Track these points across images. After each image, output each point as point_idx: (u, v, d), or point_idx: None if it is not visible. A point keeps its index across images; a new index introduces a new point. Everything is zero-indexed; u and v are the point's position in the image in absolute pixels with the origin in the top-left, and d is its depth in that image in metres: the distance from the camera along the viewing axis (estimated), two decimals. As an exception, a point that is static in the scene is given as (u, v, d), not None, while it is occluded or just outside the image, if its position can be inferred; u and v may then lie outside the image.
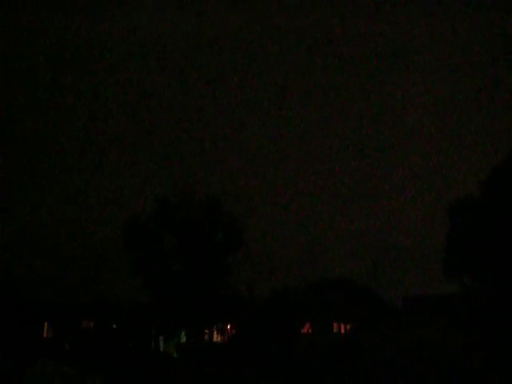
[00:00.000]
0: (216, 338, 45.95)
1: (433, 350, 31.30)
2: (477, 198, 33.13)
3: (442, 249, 34.27)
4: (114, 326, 48.37)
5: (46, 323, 48.62)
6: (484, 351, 29.75)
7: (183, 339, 42.90)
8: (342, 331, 46.90)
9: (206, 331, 44.75)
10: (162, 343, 44.85)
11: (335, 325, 46.63)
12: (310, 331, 44.82)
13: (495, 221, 31.41)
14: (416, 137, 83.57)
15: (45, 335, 48.38)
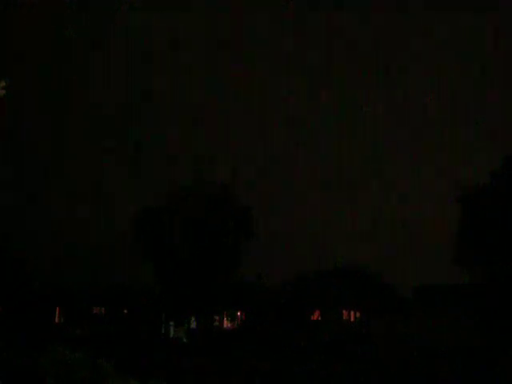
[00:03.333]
0: (226, 324, 46.15)
1: (442, 339, 31.23)
2: (489, 187, 32.81)
3: (454, 238, 34.04)
4: (125, 312, 48.73)
5: (57, 309, 49.12)
6: (495, 341, 29.64)
7: (193, 325, 43.16)
8: (352, 319, 46.92)
9: (217, 317, 44.96)
10: (172, 329, 45.16)
11: (345, 313, 46.64)
12: (319, 319, 44.89)
13: (507, 210, 31.11)
14: (429, 125, 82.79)
15: (57, 320, 48.90)
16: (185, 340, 42.32)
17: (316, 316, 44.65)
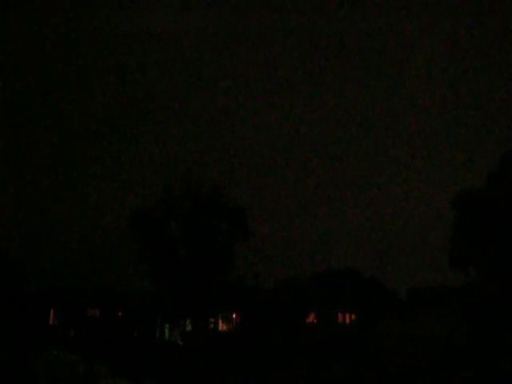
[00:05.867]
0: (221, 326, 46.03)
1: (438, 341, 31.26)
2: (483, 189, 32.93)
3: (448, 240, 34.14)
4: (120, 314, 48.57)
5: (52, 310, 48.94)
6: (490, 342, 29.70)
7: (188, 328, 43.02)
8: (347, 321, 46.93)
9: (212, 320, 44.83)
10: (167, 331, 45.01)
11: (340, 315, 46.65)
12: (314, 321, 44.86)
13: (501, 212, 31.22)
14: (422, 129, 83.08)
15: (51, 322, 48.71)
16: (180, 342, 42.20)
17: (312, 318, 44.63)
